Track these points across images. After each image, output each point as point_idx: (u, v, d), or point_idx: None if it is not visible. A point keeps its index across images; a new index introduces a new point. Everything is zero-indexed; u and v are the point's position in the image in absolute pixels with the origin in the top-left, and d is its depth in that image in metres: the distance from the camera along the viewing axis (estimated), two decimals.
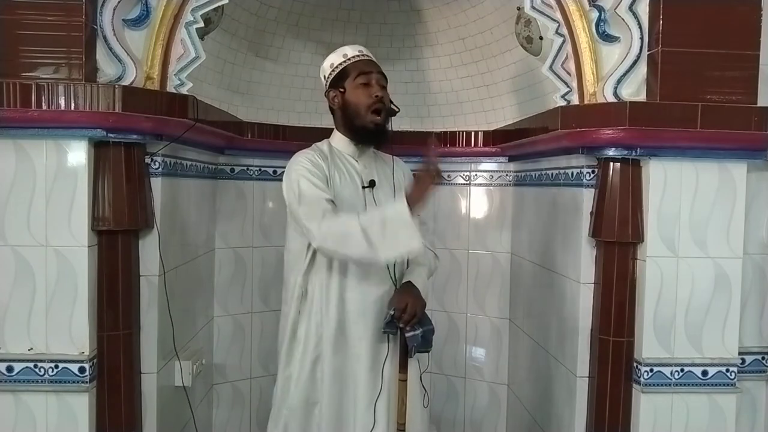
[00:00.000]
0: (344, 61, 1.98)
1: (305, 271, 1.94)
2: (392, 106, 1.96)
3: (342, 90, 1.97)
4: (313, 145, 2.04)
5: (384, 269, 1.95)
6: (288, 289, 2.00)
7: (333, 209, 1.84)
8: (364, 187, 1.99)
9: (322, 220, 1.80)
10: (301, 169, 1.90)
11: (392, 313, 1.86)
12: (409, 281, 1.97)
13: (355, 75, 1.95)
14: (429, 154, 1.77)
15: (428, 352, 1.95)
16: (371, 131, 1.95)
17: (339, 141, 2.05)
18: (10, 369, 1.96)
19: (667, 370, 2.05)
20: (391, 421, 1.95)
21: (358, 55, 1.99)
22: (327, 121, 3.06)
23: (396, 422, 1.94)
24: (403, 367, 1.94)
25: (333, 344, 1.92)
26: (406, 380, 1.94)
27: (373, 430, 1.90)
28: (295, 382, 1.95)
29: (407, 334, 1.87)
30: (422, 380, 2.07)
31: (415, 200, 1.74)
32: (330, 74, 2.01)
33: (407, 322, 1.86)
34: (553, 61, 2.12)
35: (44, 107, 1.87)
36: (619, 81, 2.02)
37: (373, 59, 2.02)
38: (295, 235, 1.97)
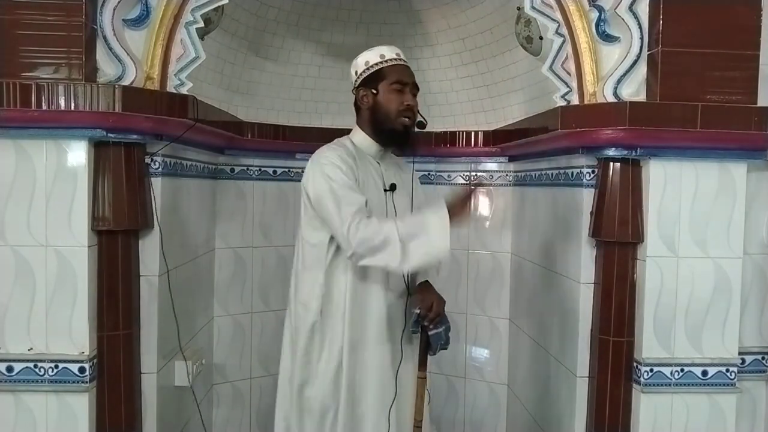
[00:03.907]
0: (381, 62, 1.96)
1: (327, 268, 1.91)
2: (421, 119, 1.96)
3: (375, 91, 1.95)
4: (336, 141, 2.00)
5: (400, 274, 1.96)
6: (304, 286, 1.96)
7: (368, 214, 1.81)
8: (385, 190, 1.98)
9: (361, 226, 1.77)
10: (333, 167, 1.84)
11: (418, 312, 1.88)
12: (427, 281, 2.00)
13: (392, 80, 1.93)
14: (473, 188, 1.90)
15: (446, 349, 1.97)
16: (400, 133, 1.94)
17: (362, 140, 2.01)
18: (10, 369, 1.96)
19: (667, 370, 2.05)
20: (405, 421, 1.96)
21: (395, 59, 1.97)
22: (327, 121, 3.10)
23: (412, 419, 1.96)
24: (423, 364, 1.98)
25: (355, 348, 1.91)
26: (425, 377, 1.97)
27: None
28: (318, 386, 1.92)
29: (431, 333, 1.91)
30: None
31: (457, 215, 1.80)
32: (364, 72, 1.98)
33: (432, 320, 1.88)
34: (553, 61, 2.12)
35: (44, 107, 1.87)
36: (619, 81, 2.02)
37: (409, 66, 2.00)
38: (314, 231, 1.92)
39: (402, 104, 1.92)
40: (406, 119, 1.93)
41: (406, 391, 1.97)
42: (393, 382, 1.93)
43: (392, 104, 1.92)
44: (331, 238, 1.89)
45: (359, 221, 1.77)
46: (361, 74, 1.99)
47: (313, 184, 1.87)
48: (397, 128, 1.93)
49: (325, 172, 1.84)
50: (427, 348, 1.96)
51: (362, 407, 1.93)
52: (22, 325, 1.96)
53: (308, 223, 1.94)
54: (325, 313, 1.92)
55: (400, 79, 1.94)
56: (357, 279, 1.91)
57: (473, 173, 3.14)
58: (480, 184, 1.90)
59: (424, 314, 1.88)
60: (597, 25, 2.05)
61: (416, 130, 1.98)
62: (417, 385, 1.97)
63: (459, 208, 1.82)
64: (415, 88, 1.97)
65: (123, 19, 2.01)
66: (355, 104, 2.03)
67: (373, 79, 1.96)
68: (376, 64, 1.96)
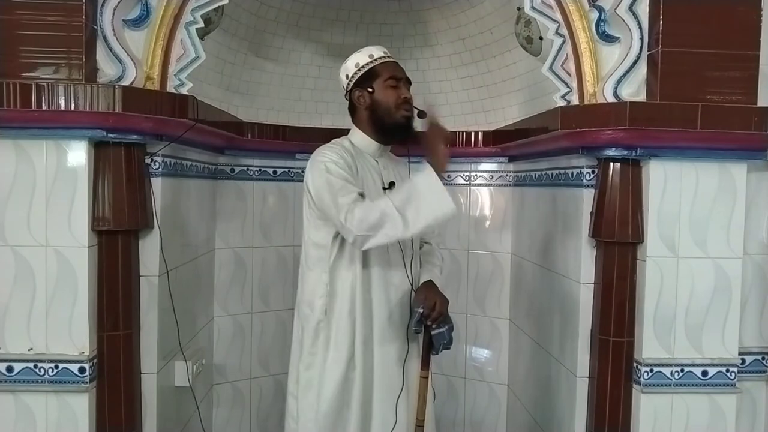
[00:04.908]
0: (371, 62, 1.98)
1: (331, 267, 1.92)
2: (419, 109, 1.98)
3: (371, 90, 1.97)
4: (334, 141, 2.02)
5: (402, 270, 1.97)
6: (308, 286, 1.97)
7: (364, 199, 1.83)
8: (384, 188, 1.99)
9: (356, 209, 1.78)
10: (330, 162, 1.87)
11: (421, 311, 1.88)
12: (431, 280, 2.00)
13: (386, 77, 1.96)
14: (429, 112, 1.84)
15: (449, 349, 1.97)
16: (402, 125, 1.96)
17: (360, 140, 2.03)
18: (10, 369, 1.96)
19: (667, 371, 2.05)
20: (411, 418, 1.96)
21: (383, 56, 2.00)
22: (327, 121, 3.10)
23: (415, 418, 1.96)
24: (426, 364, 1.98)
25: (364, 345, 1.92)
26: (428, 377, 1.97)
27: (395, 426, 1.91)
28: (327, 386, 1.92)
29: (434, 332, 1.91)
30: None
31: (437, 164, 1.76)
32: (356, 73, 2.00)
33: (435, 320, 1.88)
34: (553, 61, 2.12)
35: (44, 107, 1.87)
36: (619, 81, 2.01)
37: (398, 62, 2.03)
38: (316, 231, 1.93)
39: (399, 98, 1.96)
40: (406, 111, 1.96)
41: (413, 385, 1.98)
42: (400, 375, 1.94)
43: (390, 99, 1.95)
44: (334, 237, 1.91)
45: (354, 207, 1.78)
46: (353, 76, 2.01)
47: (312, 180, 1.89)
48: (399, 121, 1.96)
49: (323, 167, 1.87)
50: (429, 347, 1.96)
51: (371, 402, 1.93)
52: (22, 325, 1.96)
53: (311, 223, 1.96)
54: (330, 312, 1.93)
55: (394, 74, 1.97)
56: (361, 277, 1.92)
57: (473, 173, 3.14)
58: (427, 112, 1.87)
59: (426, 313, 1.88)
60: (597, 25, 2.05)
61: (417, 120, 1.99)
62: (419, 385, 1.97)
63: (436, 156, 1.78)
64: (408, 83, 2.01)
65: (123, 19, 2.01)
66: (350, 106, 2.05)
67: (366, 78, 1.98)
68: (367, 64, 1.99)
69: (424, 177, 1.76)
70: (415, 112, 1.98)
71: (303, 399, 1.96)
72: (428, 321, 1.89)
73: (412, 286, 1.99)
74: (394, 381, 1.94)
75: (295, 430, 1.99)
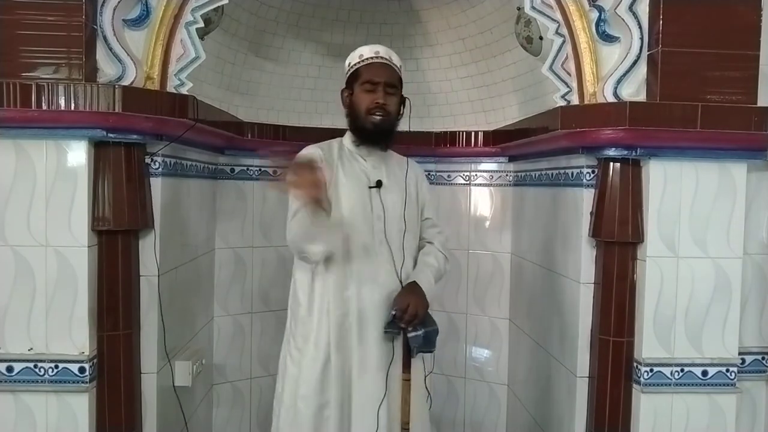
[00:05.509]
0: (359, 62, 1.99)
1: (313, 267, 1.94)
2: (397, 113, 1.98)
3: (351, 92, 1.99)
4: (325, 142, 2.05)
5: (392, 270, 1.96)
6: (296, 285, 2.00)
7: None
8: (370, 187, 1.99)
9: (293, 217, 1.88)
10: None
11: (394, 313, 1.87)
12: (414, 281, 1.97)
13: (363, 80, 1.95)
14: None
15: (431, 352, 1.95)
16: (370, 131, 1.96)
17: (348, 140, 2.06)
18: (10, 369, 1.96)
19: (667, 370, 2.05)
20: (394, 422, 1.95)
21: (373, 57, 1.98)
22: (327, 121, 3.10)
23: (399, 422, 1.94)
24: (407, 367, 1.96)
25: (342, 344, 1.92)
26: (409, 380, 1.96)
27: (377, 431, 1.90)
28: (306, 382, 1.93)
29: (409, 335, 1.88)
30: (426, 382, 2.09)
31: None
32: (346, 73, 2.03)
33: (408, 322, 1.87)
34: (553, 61, 2.12)
35: (44, 107, 1.87)
36: (619, 81, 2.02)
37: (388, 61, 1.99)
38: None
39: (372, 103, 1.94)
40: (376, 117, 1.94)
41: (398, 388, 1.96)
42: (383, 381, 1.92)
43: (362, 104, 1.95)
44: None
45: (295, 213, 1.88)
46: (346, 75, 2.03)
47: None
48: (368, 126, 1.95)
49: None
50: (409, 350, 1.94)
51: (352, 406, 1.93)
52: (22, 325, 1.96)
53: None
54: (312, 312, 1.94)
55: (370, 78, 1.95)
56: (341, 278, 1.92)
57: (473, 173, 3.14)
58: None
59: (399, 316, 1.86)
60: (597, 25, 2.05)
61: (398, 121, 2.00)
62: (402, 388, 1.95)
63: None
64: (388, 86, 1.96)
65: (123, 19, 2.01)
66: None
67: (351, 80, 2.00)
68: (355, 64, 1.99)
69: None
70: (403, 110, 1.97)
71: (284, 394, 1.98)
72: (402, 323, 1.87)
73: (401, 285, 1.97)
74: (375, 384, 1.92)
75: (276, 429, 2.00)
